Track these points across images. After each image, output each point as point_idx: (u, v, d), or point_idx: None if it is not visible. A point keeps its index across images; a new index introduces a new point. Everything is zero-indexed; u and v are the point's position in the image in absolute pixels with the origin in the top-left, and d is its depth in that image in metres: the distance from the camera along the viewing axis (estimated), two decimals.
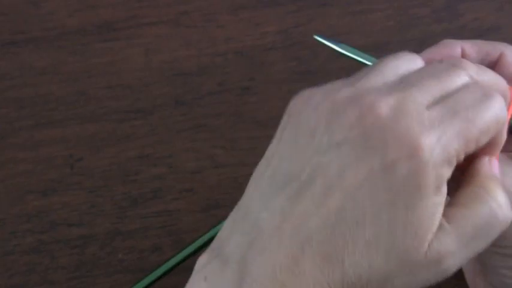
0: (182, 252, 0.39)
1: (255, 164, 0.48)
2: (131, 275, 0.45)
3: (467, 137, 0.30)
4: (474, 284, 0.39)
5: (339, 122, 0.29)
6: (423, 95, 0.30)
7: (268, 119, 0.48)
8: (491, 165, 0.32)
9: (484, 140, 0.30)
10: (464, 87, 0.31)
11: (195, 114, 0.49)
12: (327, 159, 0.29)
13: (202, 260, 0.31)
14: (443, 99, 0.31)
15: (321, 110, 0.31)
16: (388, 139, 0.29)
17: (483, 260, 0.36)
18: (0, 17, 0.52)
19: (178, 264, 0.39)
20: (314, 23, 0.51)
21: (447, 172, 0.29)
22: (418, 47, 0.49)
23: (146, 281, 0.40)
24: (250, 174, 0.47)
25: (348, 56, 0.42)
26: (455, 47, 0.37)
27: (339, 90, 0.31)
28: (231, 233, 0.30)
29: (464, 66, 0.32)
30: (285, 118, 0.33)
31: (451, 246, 0.28)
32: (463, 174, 0.32)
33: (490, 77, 0.33)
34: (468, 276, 0.40)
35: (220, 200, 0.46)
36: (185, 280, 0.45)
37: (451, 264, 0.29)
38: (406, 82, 0.31)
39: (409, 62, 0.33)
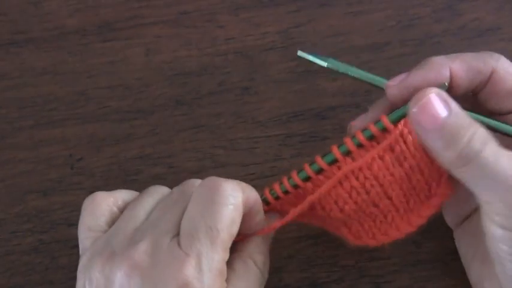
0: None
1: (255, 164, 0.48)
2: None
3: (220, 241, 0.33)
4: None
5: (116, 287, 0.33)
6: (168, 228, 0.34)
7: (268, 119, 0.48)
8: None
9: (235, 229, 0.35)
10: (189, 207, 0.35)
11: (195, 114, 0.49)
12: None
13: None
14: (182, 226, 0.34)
15: (96, 284, 0.34)
16: (157, 284, 0.32)
17: (492, 258, 0.36)
18: (0, 17, 0.52)
19: None
20: (314, 23, 0.51)
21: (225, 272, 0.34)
22: (418, 47, 0.49)
23: None
24: (250, 174, 0.47)
25: (336, 72, 0.41)
26: (443, 69, 0.37)
27: (101, 255, 0.34)
28: None
29: (190, 189, 0.36)
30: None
31: None
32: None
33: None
34: (475, 282, 0.40)
35: None
36: None
37: None
38: (153, 220, 0.35)
39: (155, 196, 0.38)
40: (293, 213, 0.38)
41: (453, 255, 0.44)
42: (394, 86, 0.38)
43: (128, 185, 0.47)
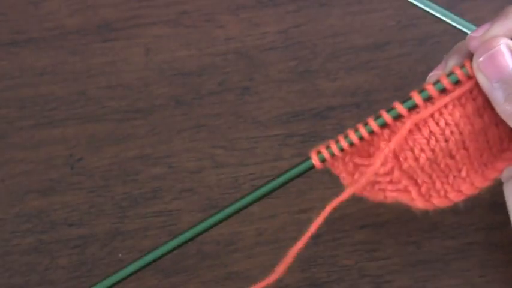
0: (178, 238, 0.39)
1: (255, 164, 0.48)
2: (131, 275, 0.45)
3: None
4: None
5: None
6: None
7: (268, 119, 0.48)
8: None
9: None
10: None
11: (195, 114, 0.49)
12: None
13: None
14: None
15: None
16: None
17: None
18: (0, 17, 0.52)
19: (172, 250, 0.39)
20: (314, 23, 0.51)
21: None
22: (418, 47, 0.49)
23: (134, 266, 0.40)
24: (250, 174, 0.47)
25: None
26: None
27: None
28: None
29: None
30: None
31: None
32: None
33: None
34: None
35: (220, 200, 0.46)
36: (184, 280, 0.45)
37: None
38: None
39: None
40: (402, 132, 0.36)
41: (453, 255, 0.44)
42: (476, 37, 0.36)
43: (128, 185, 0.47)
